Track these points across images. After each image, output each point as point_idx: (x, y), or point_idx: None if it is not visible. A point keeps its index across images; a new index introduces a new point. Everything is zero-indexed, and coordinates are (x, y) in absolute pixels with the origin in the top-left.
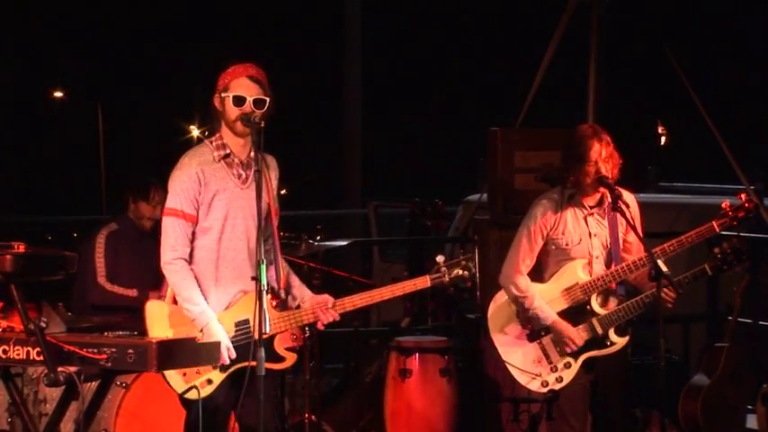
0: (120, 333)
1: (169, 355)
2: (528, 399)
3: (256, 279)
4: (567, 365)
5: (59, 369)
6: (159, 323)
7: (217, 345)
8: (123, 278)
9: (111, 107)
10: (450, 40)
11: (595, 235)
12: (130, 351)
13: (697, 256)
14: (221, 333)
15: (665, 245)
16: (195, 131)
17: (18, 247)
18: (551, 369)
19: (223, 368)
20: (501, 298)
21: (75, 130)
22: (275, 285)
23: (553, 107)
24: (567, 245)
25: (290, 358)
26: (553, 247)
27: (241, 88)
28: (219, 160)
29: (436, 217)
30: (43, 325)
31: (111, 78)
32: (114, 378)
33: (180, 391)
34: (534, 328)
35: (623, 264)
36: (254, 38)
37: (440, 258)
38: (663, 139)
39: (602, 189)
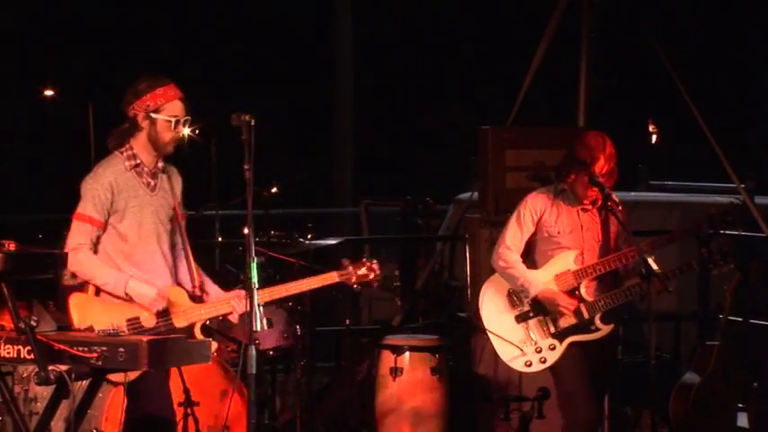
0: (111, 331)
1: (160, 353)
2: (519, 398)
3: (247, 277)
4: (552, 347)
5: (50, 368)
6: (85, 313)
7: (207, 343)
8: None
9: (101, 106)
10: (441, 38)
11: (587, 229)
12: (121, 350)
13: (687, 254)
14: (145, 287)
15: (654, 238)
16: (186, 130)
17: (8, 246)
18: (536, 350)
19: None
20: (492, 281)
21: (65, 128)
22: (188, 287)
23: (544, 105)
24: (558, 233)
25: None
26: (546, 234)
27: (176, 110)
28: (130, 170)
29: (427, 215)
30: (34, 323)
31: (101, 77)
32: (105, 376)
33: None
34: (523, 310)
35: (615, 254)
36: (244, 36)
37: (344, 261)
38: (654, 138)
39: (594, 190)
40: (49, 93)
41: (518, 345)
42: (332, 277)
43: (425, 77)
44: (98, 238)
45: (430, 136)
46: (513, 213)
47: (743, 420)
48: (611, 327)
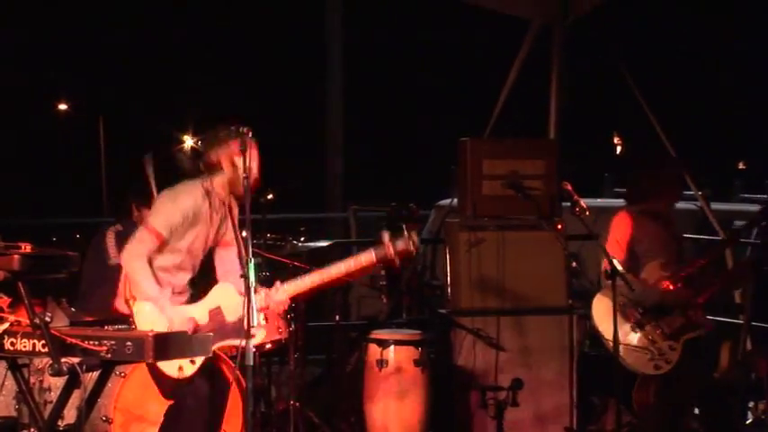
0: (119, 327)
1: (164, 346)
2: (494, 387)
3: (245, 276)
4: (672, 348)
5: (63, 360)
6: (146, 319)
7: (208, 337)
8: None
9: (111, 119)
10: (427, 57)
11: (667, 240)
12: (129, 343)
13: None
14: (179, 311)
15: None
16: (189, 141)
17: (25, 248)
18: (659, 353)
19: None
20: (600, 300)
21: (78, 139)
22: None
23: (518, 118)
24: (651, 249)
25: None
26: (638, 251)
27: (254, 161)
28: (204, 200)
29: (410, 220)
30: (48, 319)
31: (112, 92)
32: (114, 368)
33: (171, 372)
34: (637, 319)
35: (695, 257)
36: (241, 47)
37: (384, 235)
38: (618, 149)
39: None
40: (63, 107)
41: (644, 355)
42: (369, 258)
43: (412, 91)
44: (166, 250)
45: (414, 146)
46: (609, 237)
47: None
48: (709, 319)
